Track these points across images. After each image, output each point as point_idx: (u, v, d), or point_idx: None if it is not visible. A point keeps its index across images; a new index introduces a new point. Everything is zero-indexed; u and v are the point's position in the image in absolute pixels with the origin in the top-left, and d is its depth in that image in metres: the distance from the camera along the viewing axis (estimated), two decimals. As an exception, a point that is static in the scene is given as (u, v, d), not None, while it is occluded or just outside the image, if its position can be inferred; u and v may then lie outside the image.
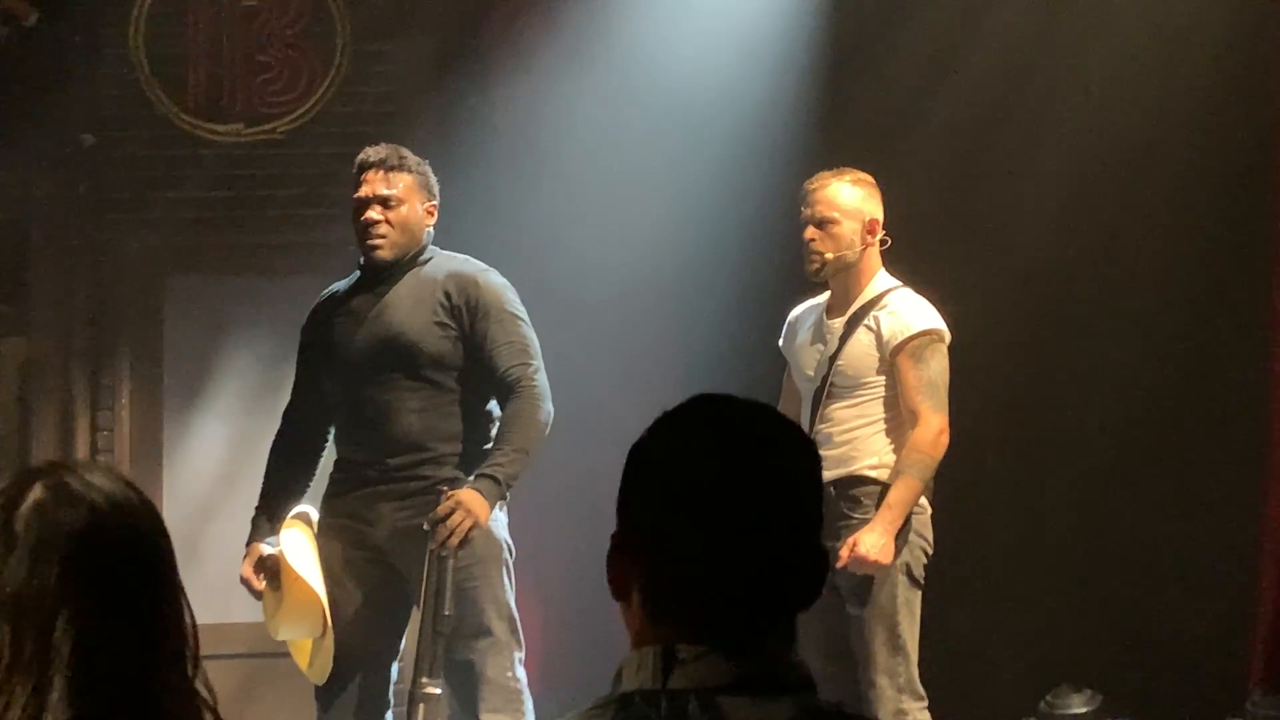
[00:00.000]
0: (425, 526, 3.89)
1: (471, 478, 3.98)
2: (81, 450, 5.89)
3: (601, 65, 5.74)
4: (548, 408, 4.03)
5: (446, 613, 3.86)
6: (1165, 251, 5.51)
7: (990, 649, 5.57)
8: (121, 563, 1.41)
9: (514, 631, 4.07)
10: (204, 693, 1.43)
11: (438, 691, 3.88)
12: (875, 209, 4.33)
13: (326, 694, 4.09)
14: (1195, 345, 5.52)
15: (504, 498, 3.98)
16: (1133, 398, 5.51)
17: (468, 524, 3.86)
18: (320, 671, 4.08)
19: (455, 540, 3.85)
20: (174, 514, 5.87)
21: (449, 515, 3.86)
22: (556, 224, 5.70)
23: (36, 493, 1.42)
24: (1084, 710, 5.21)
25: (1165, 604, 5.44)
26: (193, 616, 1.45)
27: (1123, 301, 5.58)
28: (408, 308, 4.07)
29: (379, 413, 4.05)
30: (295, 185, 5.97)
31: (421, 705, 3.86)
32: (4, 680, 1.35)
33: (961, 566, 5.17)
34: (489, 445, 4.06)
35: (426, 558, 3.88)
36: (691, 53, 5.75)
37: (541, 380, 4.05)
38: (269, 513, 4.15)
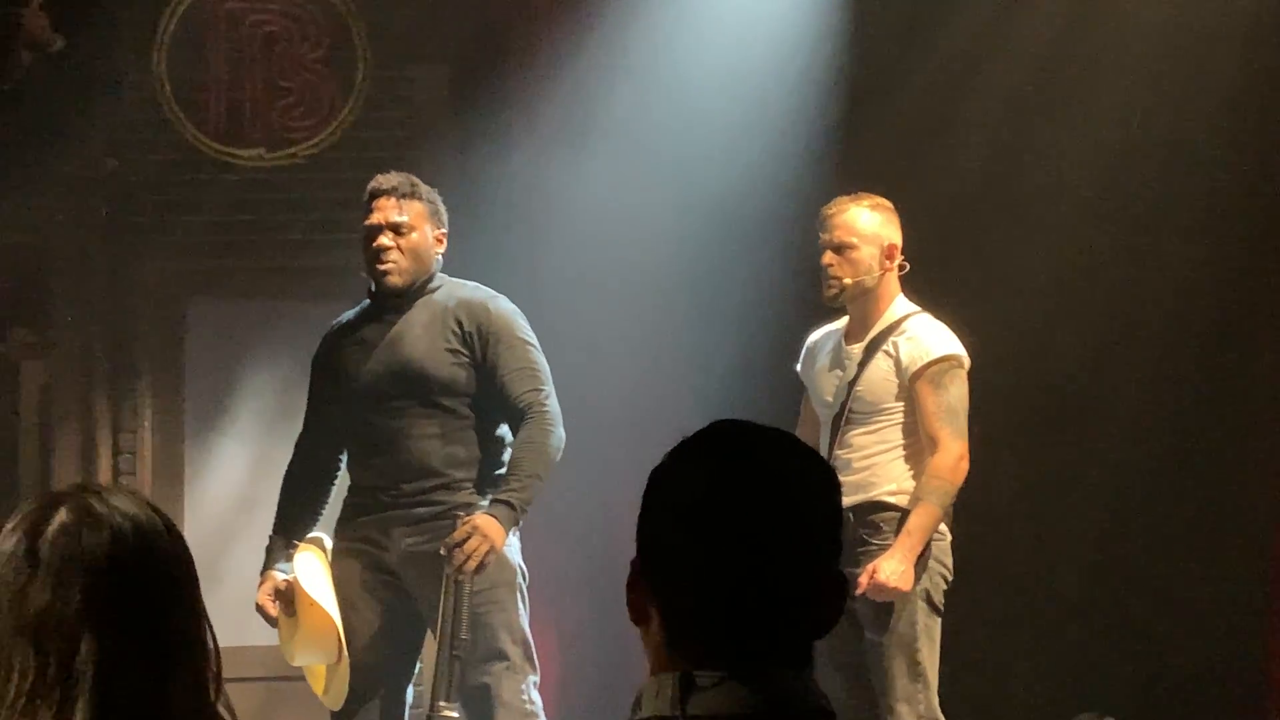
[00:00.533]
0: (442, 551, 3.90)
1: (486, 503, 4.00)
2: (103, 473, 5.91)
3: (619, 90, 5.76)
4: (559, 433, 4.05)
5: (464, 636, 3.89)
6: (1189, 272, 5.50)
7: (1010, 676, 5.55)
8: (145, 585, 1.41)
9: (528, 656, 4.07)
10: (226, 715, 1.43)
11: (455, 715, 3.91)
12: (894, 234, 4.32)
13: (343, 719, 4.09)
14: (1219, 367, 5.50)
15: (518, 523, 4.00)
16: (1154, 422, 5.50)
17: (484, 549, 3.88)
18: (336, 697, 4.09)
19: (472, 565, 3.88)
20: (195, 536, 5.85)
21: (465, 540, 3.87)
22: (572, 249, 5.71)
23: (61, 516, 1.42)
24: (1104, 738, 5.18)
25: (1185, 631, 5.41)
26: (215, 639, 1.46)
27: (1146, 323, 5.56)
28: (419, 335, 4.09)
29: (392, 440, 4.07)
30: (316, 210, 6.00)
31: None
32: (28, 703, 1.35)
33: (981, 592, 5.15)
34: (501, 470, 4.08)
35: (443, 582, 3.89)
36: (709, 78, 5.76)
37: (553, 405, 4.06)
38: (283, 540, 4.18)
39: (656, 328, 5.83)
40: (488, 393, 4.07)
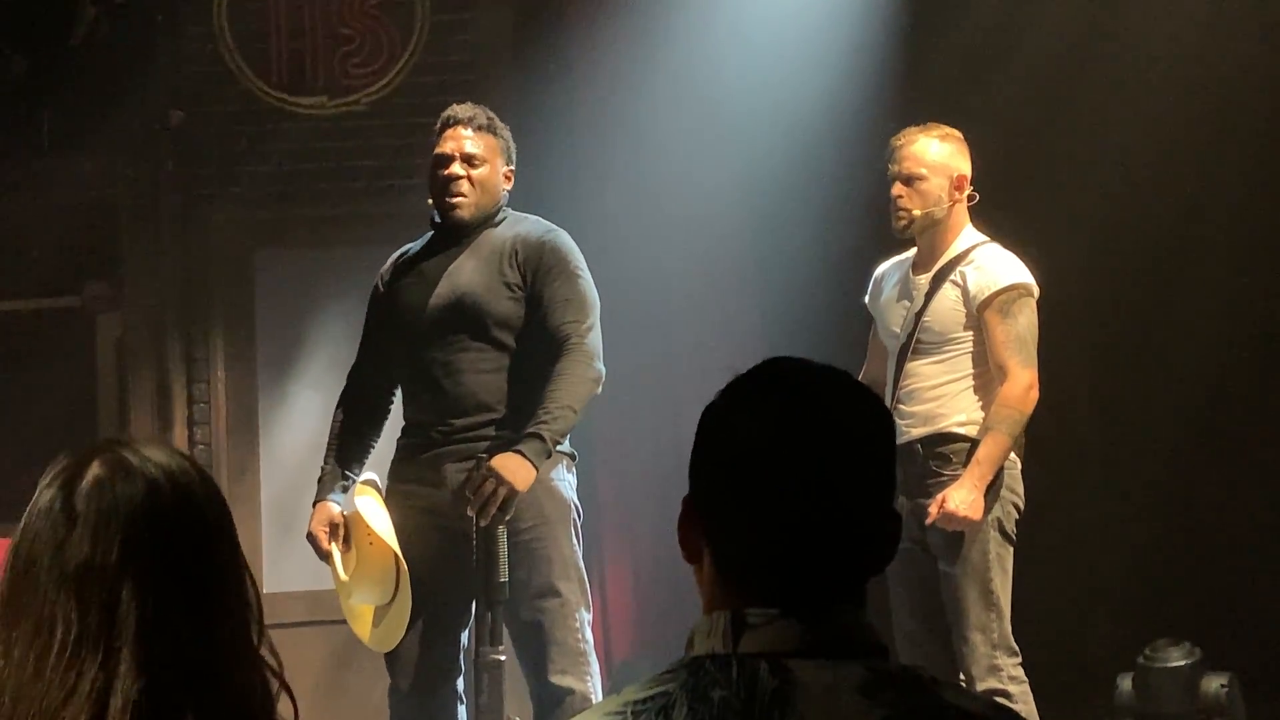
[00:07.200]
0: (467, 507, 3.87)
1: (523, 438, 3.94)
2: (178, 423, 5.98)
3: (679, 27, 5.72)
4: (598, 366, 3.97)
5: (502, 580, 3.83)
6: (1256, 189, 5.42)
7: (1087, 605, 5.53)
8: (182, 534, 1.43)
9: (583, 592, 4.01)
10: (269, 659, 1.44)
11: (502, 658, 3.87)
12: (963, 164, 4.28)
13: (397, 661, 4.04)
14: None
15: (550, 455, 3.89)
16: (1224, 347, 5.43)
17: (502, 493, 3.81)
18: (384, 639, 4.02)
19: (491, 510, 3.81)
20: (271, 483, 5.95)
21: (482, 485, 3.81)
22: (636, 187, 5.70)
23: (95, 469, 1.44)
24: (1183, 663, 5.14)
25: (1264, 559, 5.37)
26: (255, 584, 1.47)
27: (1213, 245, 5.48)
28: (477, 268, 4.05)
29: (445, 373, 4.01)
30: (378, 156, 6.02)
31: (486, 674, 3.85)
32: (73, 654, 1.37)
33: (1058, 521, 5.12)
34: None
35: (474, 529, 3.85)
36: (772, 11, 5.72)
37: (593, 339, 3.98)
38: (338, 470, 4.12)
39: (723, 262, 5.81)
40: (533, 324, 4.01)
